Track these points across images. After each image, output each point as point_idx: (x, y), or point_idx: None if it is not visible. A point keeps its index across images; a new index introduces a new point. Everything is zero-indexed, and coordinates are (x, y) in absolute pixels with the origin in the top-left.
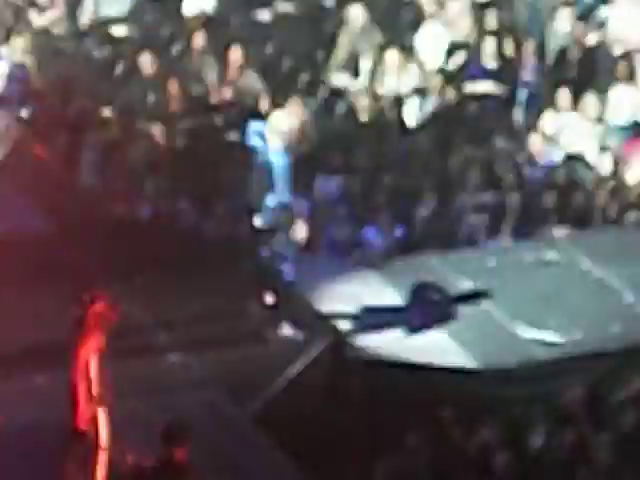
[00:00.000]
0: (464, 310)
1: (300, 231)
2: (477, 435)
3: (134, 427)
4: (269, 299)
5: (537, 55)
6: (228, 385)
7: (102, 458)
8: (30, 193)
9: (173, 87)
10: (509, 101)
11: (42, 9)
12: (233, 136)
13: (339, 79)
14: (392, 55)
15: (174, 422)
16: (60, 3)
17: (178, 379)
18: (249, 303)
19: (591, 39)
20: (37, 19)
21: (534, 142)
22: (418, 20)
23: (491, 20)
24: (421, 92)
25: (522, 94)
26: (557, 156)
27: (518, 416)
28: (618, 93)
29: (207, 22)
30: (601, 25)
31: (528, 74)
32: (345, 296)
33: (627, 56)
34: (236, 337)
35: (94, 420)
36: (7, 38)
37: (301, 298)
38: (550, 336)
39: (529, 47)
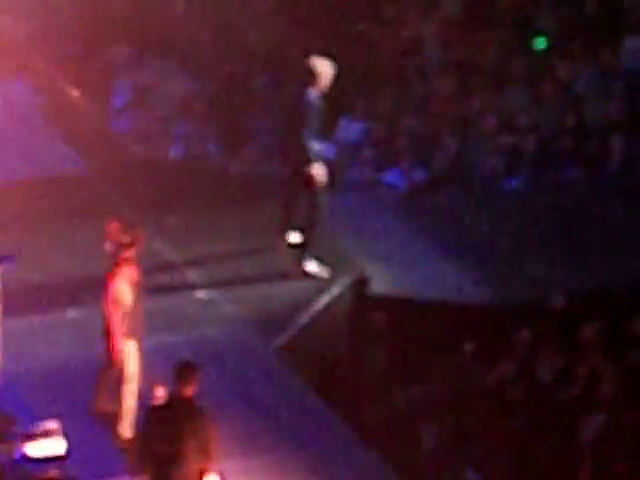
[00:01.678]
0: (481, 247)
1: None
2: (495, 369)
3: (163, 360)
4: (295, 237)
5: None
6: (254, 320)
7: (132, 390)
8: (66, 137)
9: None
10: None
11: None
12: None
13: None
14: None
15: (185, 362)
16: None
17: (205, 314)
18: (275, 241)
19: None
20: None
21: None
22: None
23: None
24: (442, 38)
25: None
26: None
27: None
28: None
29: None
30: None
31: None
32: (367, 234)
33: None
34: (262, 274)
35: (126, 353)
36: None
37: (325, 236)
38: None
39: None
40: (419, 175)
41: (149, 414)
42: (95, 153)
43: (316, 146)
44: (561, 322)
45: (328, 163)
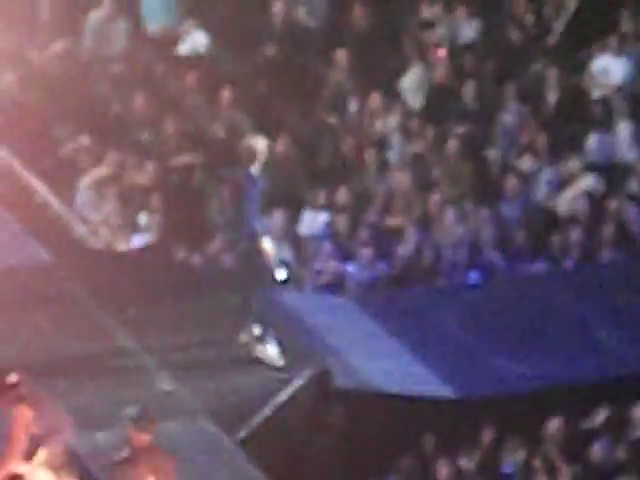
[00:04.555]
0: (444, 341)
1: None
2: (455, 462)
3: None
4: (256, 329)
5: (517, 97)
6: (216, 412)
7: None
8: (29, 227)
9: (168, 125)
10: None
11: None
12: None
13: (326, 118)
14: (377, 97)
15: (144, 410)
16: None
17: (166, 406)
18: (237, 333)
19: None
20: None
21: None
22: (403, 64)
23: (469, 62)
24: (403, 132)
25: (501, 136)
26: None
27: (495, 445)
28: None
29: (200, 62)
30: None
31: (507, 116)
32: (330, 327)
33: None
34: (224, 366)
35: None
36: None
37: (287, 329)
38: (525, 369)
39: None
40: (381, 268)
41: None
42: (56, 243)
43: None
44: (524, 416)
45: (286, 262)
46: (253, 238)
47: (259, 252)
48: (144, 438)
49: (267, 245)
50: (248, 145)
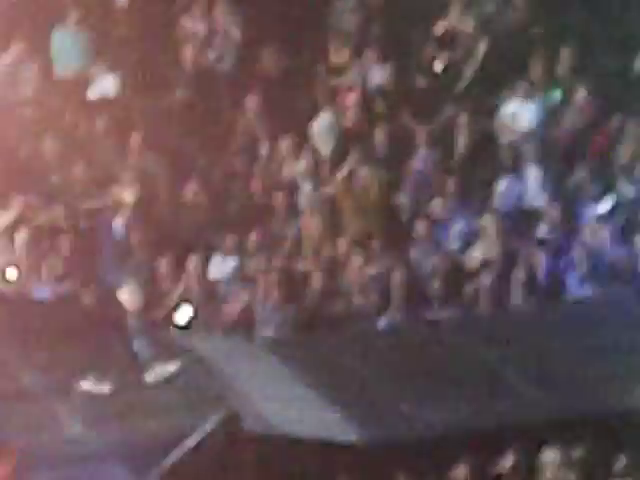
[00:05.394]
0: (353, 386)
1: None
2: None
3: None
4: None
5: (428, 143)
6: (126, 457)
7: None
8: None
9: (77, 169)
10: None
11: None
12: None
13: (237, 163)
14: (287, 141)
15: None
16: None
17: (74, 451)
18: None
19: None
20: None
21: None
22: (313, 108)
23: (380, 107)
24: (313, 176)
25: (412, 181)
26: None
27: None
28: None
29: (109, 106)
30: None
31: (419, 162)
32: (238, 372)
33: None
34: (133, 411)
35: None
36: None
37: (196, 372)
38: (433, 414)
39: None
40: (291, 312)
41: None
42: None
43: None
44: (432, 461)
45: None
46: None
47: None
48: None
49: (124, 296)
50: (116, 195)
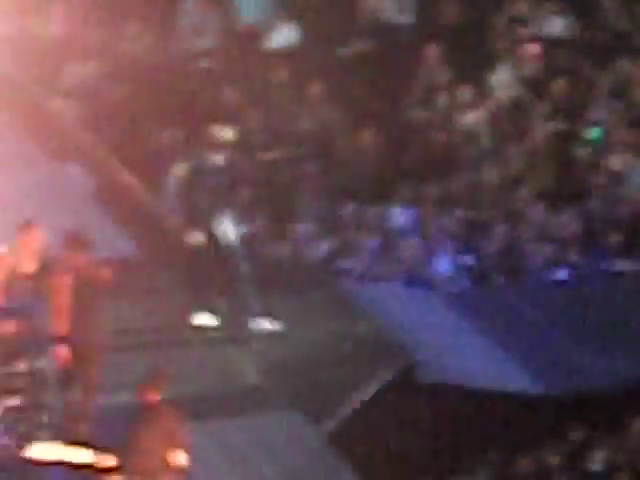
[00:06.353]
0: (531, 338)
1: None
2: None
3: (216, 448)
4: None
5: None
6: (304, 406)
7: None
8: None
9: (254, 119)
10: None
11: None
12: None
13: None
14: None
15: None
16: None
17: (257, 400)
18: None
19: None
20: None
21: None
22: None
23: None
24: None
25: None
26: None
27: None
28: None
29: (289, 56)
30: None
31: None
32: (416, 323)
33: None
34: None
35: None
36: None
37: (372, 321)
38: (614, 365)
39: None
40: (468, 261)
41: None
42: (148, 236)
43: None
44: (611, 413)
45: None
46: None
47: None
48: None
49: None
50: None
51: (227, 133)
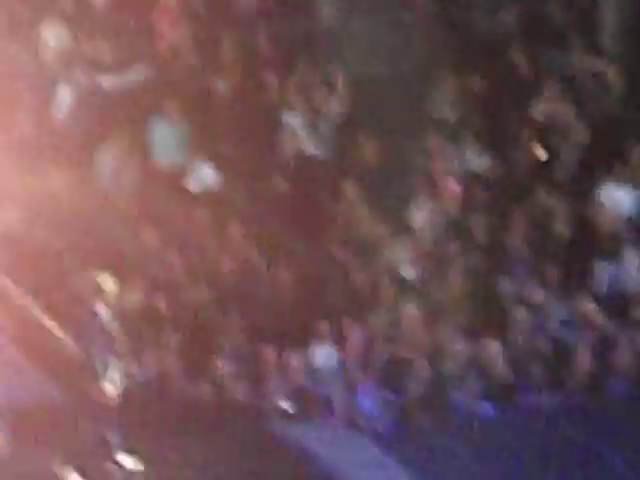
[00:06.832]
0: (456, 473)
1: None
2: None
3: None
4: None
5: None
6: None
7: None
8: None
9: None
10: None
11: None
12: None
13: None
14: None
15: None
16: None
17: None
18: None
19: None
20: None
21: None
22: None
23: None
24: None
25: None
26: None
27: None
28: None
29: (210, 198)
30: None
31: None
32: (339, 461)
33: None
34: None
35: None
36: None
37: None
38: None
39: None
40: (392, 399)
41: None
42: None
43: None
44: None
45: None
46: None
47: None
48: None
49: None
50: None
51: (107, 283)
